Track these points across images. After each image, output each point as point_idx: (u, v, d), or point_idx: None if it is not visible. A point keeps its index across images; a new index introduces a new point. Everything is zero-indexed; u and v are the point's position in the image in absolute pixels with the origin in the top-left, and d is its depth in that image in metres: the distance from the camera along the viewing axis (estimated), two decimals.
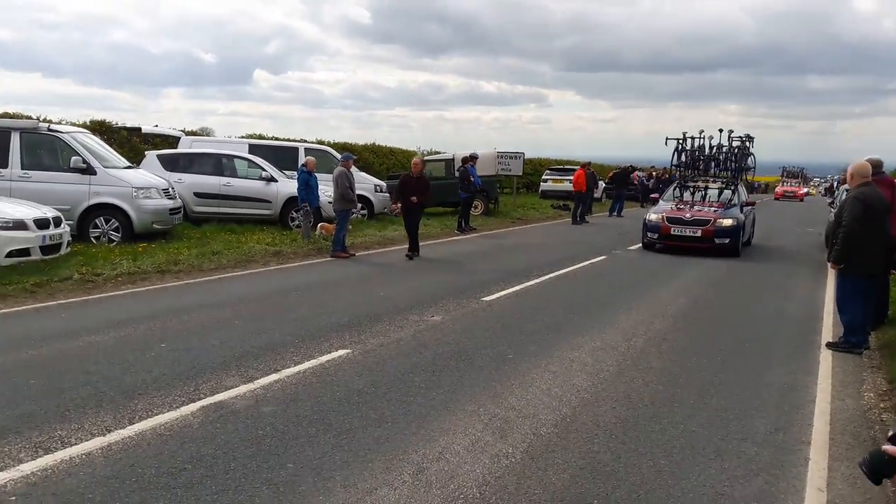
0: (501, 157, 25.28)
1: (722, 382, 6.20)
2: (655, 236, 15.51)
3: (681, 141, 18.47)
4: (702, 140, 18.56)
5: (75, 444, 4.41)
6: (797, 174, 65.06)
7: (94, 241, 12.81)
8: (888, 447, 1.90)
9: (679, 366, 6.67)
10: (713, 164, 18.56)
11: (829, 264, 7.84)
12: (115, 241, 12.90)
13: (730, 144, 18.43)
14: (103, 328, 7.32)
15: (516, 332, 7.78)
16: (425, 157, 26.47)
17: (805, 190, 61.11)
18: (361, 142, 29.85)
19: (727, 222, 15.04)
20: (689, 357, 6.99)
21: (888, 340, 7.75)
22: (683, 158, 18.39)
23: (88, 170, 12.84)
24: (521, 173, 27.16)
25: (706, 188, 17.09)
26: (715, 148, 18.56)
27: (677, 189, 17.58)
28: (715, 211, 15.50)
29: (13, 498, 3.71)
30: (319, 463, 4.27)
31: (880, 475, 1.94)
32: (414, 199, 13.39)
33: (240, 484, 3.96)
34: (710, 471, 4.39)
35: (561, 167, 35.97)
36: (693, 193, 16.93)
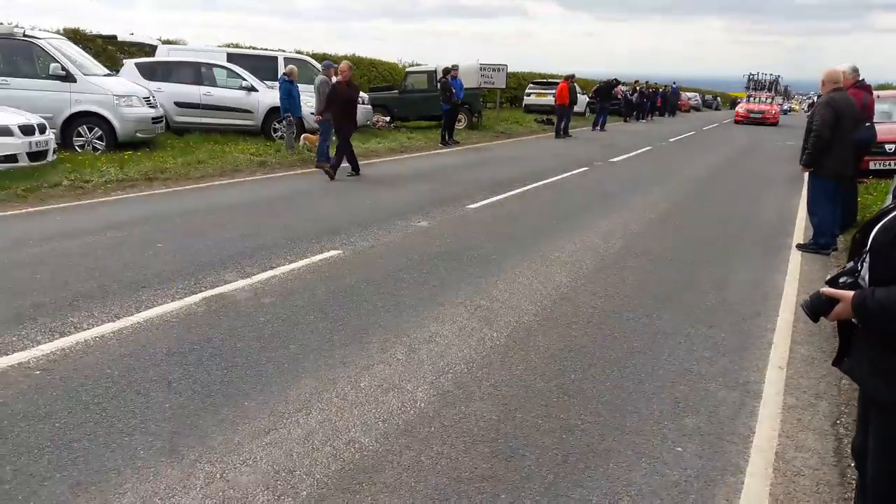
0: (484, 69, 25.01)
1: (694, 280, 6.56)
2: None
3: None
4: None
5: (87, 328, 4.69)
6: (767, 85, 51.43)
7: (77, 149, 12.80)
8: (825, 289, 2.19)
9: (654, 265, 7.02)
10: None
11: (801, 168, 8.14)
12: (99, 149, 12.90)
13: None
14: (100, 229, 7.52)
15: (500, 236, 8.07)
16: (408, 69, 26.18)
17: (787, 106, 49.78)
18: (344, 52, 29.36)
19: None
20: (664, 258, 7.34)
21: None
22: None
23: (68, 77, 12.70)
24: (504, 86, 26.93)
25: None
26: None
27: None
28: None
29: (37, 372, 4.01)
30: (319, 345, 4.60)
31: (818, 314, 2.23)
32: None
33: (246, 361, 4.27)
34: (679, 352, 4.77)
35: (544, 80, 35.68)
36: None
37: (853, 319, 2.17)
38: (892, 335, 2.04)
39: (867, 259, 2.13)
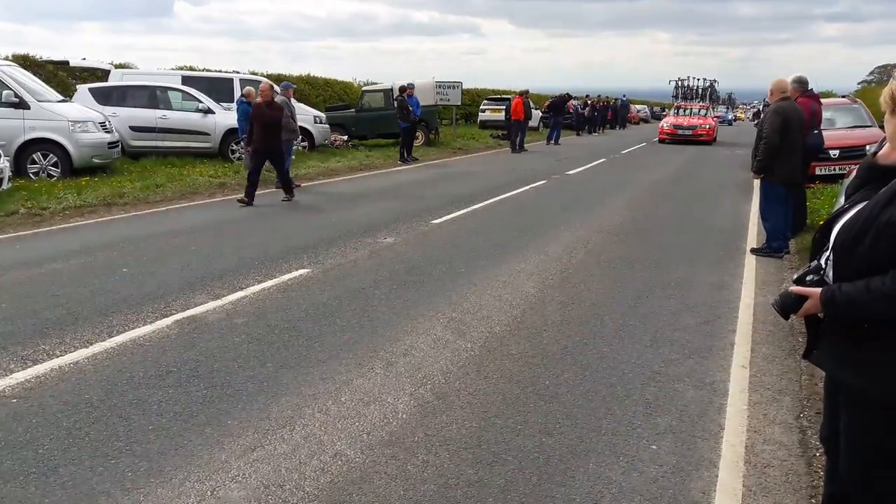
0: (440, 86, 25.31)
1: (655, 285, 6.75)
2: None
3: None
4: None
5: (60, 355, 4.66)
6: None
7: (32, 176, 12.59)
8: (794, 288, 2.33)
9: (616, 273, 7.21)
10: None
11: (752, 175, 8.44)
12: (54, 176, 12.71)
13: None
14: (62, 256, 7.44)
15: (466, 249, 8.19)
16: (364, 88, 26.29)
17: (731, 115, 43.41)
18: (298, 73, 29.34)
19: None
20: (625, 265, 7.54)
21: (806, 245, 8.44)
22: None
23: (21, 104, 12.52)
24: (459, 103, 27.26)
25: None
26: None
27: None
28: None
29: (14, 400, 3.98)
30: (296, 362, 4.64)
31: (788, 311, 2.38)
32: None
33: (225, 381, 4.30)
34: (647, 355, 4.93)
35: (499, 97, 36.11)
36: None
37: (820, 315, 2.32)
38: (857, 328, 2.18)
39: (830, 257, 2.28)
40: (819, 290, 2.24)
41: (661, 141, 29.23)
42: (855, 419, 2.27)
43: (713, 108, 42.74)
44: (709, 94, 47.04)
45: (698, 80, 46.28)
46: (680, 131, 29.30)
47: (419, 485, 3.21)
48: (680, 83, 45.81)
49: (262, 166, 11.56)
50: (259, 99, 11.63)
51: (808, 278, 2.31)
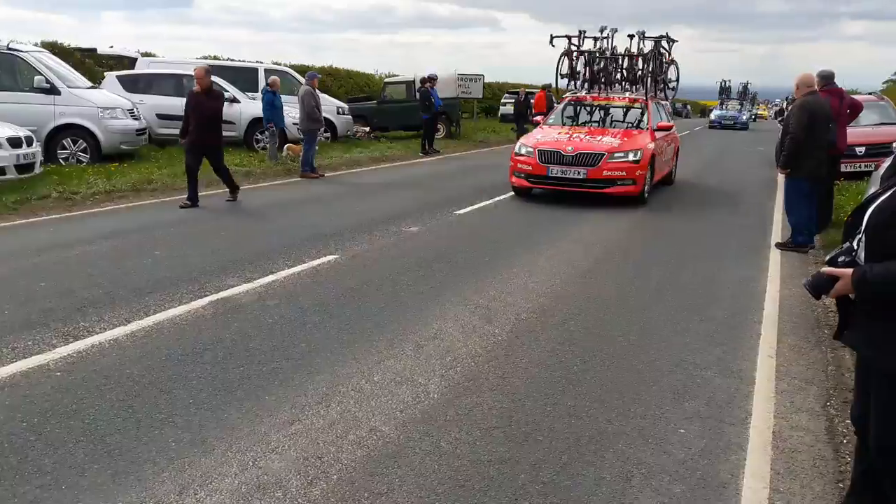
0: (462, 79, 25.34)
1: (681, 279, 6.79)
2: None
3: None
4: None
5: (100, 332, 4.79)
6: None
7: (62, 162, 12.79)
8: (826, 269, 2.40)
9: (641, 267, 7.24)
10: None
11: (777, 170, 8.44)
12: (83, 161, 12.91)
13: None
14: (95, 239, 7.59)
15: (490, 239, 8.26)
16: (386, 80, 26.37)
17: (747, 115, 44.47)
18: (317, 65, 29.48)
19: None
20: (650, 259, 7.58)
21: (832, 240, 8.42)
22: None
23: (52, 90, 12.71)
24: (481, 96, 27.28)
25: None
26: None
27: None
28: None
29: (58, 373, 4.11)
30: (328, 343, 4.74)
31: (820, 292, 2.44)
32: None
33: (261, 360, 4.41)
34: (674, 344, 4.98)
35: (518, 90, 36.07)
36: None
37: (851, 296, 2.38)
38: (889, 308, 2.24)
39: (863, 239, 2.34)
40: (850, 270, 2.30)
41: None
42: (885, 397, 2.32)
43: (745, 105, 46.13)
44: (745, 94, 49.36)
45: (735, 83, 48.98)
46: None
47: (453, 460, 3.29)
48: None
49: (201, 163, 9.94)
50: (196, 87, 9.97)
51: (839, 259, 2.37)
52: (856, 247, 2.38)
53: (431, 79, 20.54)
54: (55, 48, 19.40)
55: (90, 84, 14.41)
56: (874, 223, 2.27)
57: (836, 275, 2.35)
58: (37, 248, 7.19)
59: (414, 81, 22.92)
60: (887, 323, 2.26)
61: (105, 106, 13.22)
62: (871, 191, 6.58)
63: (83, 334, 4.74)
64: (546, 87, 25.25)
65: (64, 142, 12.99)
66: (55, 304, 5.36)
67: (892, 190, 2.30)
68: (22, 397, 3.79)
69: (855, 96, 13.40)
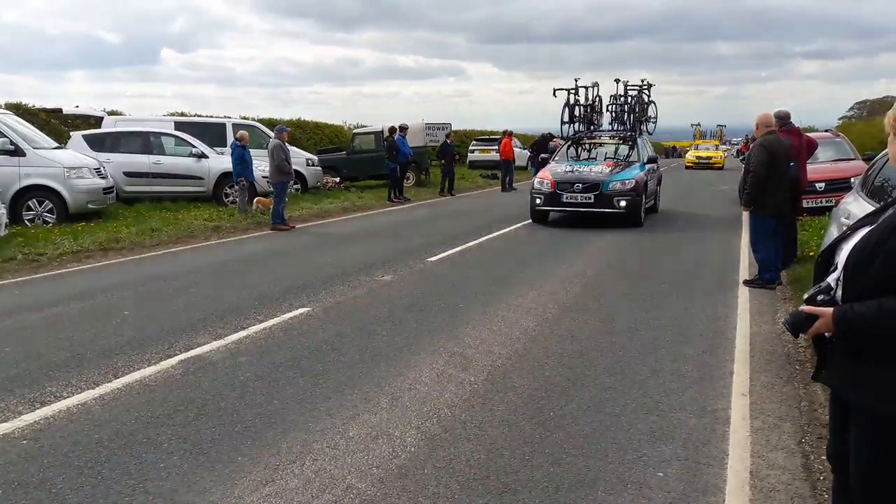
0: (429, 128, 25.66)
1: (652, 318, 6.84)
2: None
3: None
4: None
5: (67, 397, 4.69)
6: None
7: (28, 223, 12.64)
8: (805, 307, 2.42)
9: (613, 307, 7.30)
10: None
11: (741, 207, 8.61)
12: (49, 222, 12.77)
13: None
14: (62, 301, 7.47)
15: (463, 286, 8.28)
16: (355, 130, 26.57)
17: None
18: (286, 118, 29.66)
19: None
20: (622, 299, 7.64)
21: (797, 276, 8.57)
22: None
23: (17, 151, 12.64)
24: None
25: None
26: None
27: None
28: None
29: (24, 442, 4.00)
30: (302, 398, 4.68)
31: (799, 330, 2.46)
32: None
33: (233, 419, 4.33)
34: (649, 385, 5.00)
35: (487, 137, 36.59)
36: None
37: (828, 334, 2.41)
38: (868, 346, 2.27)
39: (841, 278, 2.37)
40: (831, 309, 2.33)
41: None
42: (864, 435, 2.34)
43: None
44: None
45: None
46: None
47: None
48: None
49: None
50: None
51: (818, 298, 2.40)
52: (834, 285, 2.41)
53: (402, 128, 20.77)
54: (20, 109, 19.31)
55: (56, 144, 14.34)
56: (853, 262, 2.31)
57: (815, 313, 2.38)
58: (2, 311, 7.05)
59: (382, 132, 23.13)
60: (866, 362, 2.28)
61: (71, 166, 13.15)
62: (833, 228, 6.68)
63: (50, 399, 4.63)
64: (508, 134, 25.69)
65: (29, 203, 12.86)
66: (21, 369, 5.24)
67: (865, 230, 2.34)
68: None
69: (812, 133, 13.79)
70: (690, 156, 43.43)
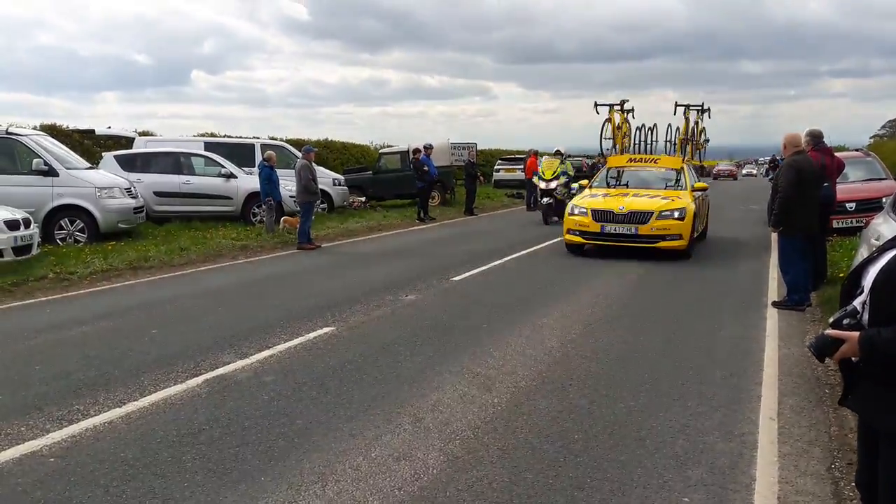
0: (455, 147, 25.78)
1: (679, 339, 6.77)
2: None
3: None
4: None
5: (94, 415, 4.74)
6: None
7: (59, 242, 12.88)
8: (831, 331, 2.38)
9: (639, 327, 7.23)
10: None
11: (770, 228, 8.51)
12: (80, 241, 12.99)
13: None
14: (91, 319, 7.57)
15: (487, 305, 8.26)
16: (381, 150, 26.77)
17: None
18: (314, 138, 29.98)
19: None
20: (647, 320, 7.57)
21: (827, 297, 8.44)
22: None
23: (51, 172, 12.89)
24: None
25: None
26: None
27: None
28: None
29: (52, 459, 4.05)
30: (326, 418, 4.69)
31: (824, 355, 2.42)
32: None
33: (257, 438, 4.35)
34: (675, 409, 4.93)
35: (512, 157, 36.58)
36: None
37: (854, 358, 2.36)
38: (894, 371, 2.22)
39: (867, 301, 2.33)
40: (856, 333, 2.29)
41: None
42: (894, 462, 2.29)
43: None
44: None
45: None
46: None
47: None
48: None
49: None
50: None
51: (844, 322, 2.36)
52: (860, 309, 2.37)
53: (427, 148, 20.86)
54: (54, 130, 19.77)
55: (88, 165, 14.61)
56: (880, 285, 2.27)
57: (841, 337, 2.34)
58: (33, 329, 7.17)
59: (408, 151, 23.26)
60: (894, 387, 2.23)
61: (102, 186, 13.39)
62: (864, 249, 6.56)
63: (78, 418, 4.69)
64: (534, 153, 25.69)
65: (61, 222, 13.10)
66: (50, 387, 5.31)
67: (892, 253, 2.30)
68: (13, 486, 3.73)
69: (842, 153, 13.61)
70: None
